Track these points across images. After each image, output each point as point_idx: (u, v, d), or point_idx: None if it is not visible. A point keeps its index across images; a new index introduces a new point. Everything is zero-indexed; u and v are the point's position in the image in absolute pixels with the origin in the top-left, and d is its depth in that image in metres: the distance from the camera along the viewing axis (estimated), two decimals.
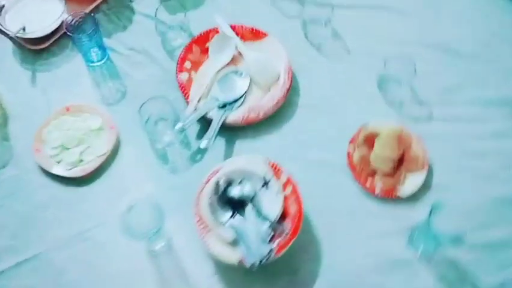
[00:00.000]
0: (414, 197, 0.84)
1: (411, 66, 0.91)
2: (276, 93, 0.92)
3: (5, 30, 0.99)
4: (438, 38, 1.00)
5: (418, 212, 0.81)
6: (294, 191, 0.80)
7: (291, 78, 0.94)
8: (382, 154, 0.86)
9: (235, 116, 0.91)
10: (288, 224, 0.78)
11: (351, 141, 0.88)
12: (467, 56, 0.97)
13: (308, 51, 1.00)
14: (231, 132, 0.91)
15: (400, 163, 0.86)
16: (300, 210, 0.78)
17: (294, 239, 0.76)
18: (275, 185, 0.80)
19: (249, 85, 0.94)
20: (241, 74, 0.95)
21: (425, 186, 0.84)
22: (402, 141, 0.87)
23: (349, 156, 0.87)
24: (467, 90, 0.94)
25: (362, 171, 0.86)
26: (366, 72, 0.96)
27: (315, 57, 0.99)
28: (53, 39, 0.99)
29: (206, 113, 0.90)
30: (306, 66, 0.98)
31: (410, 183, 0.85)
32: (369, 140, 0.88)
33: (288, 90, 0.93)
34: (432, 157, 0.86)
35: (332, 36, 1.01)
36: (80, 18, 0.97)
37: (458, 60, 0.97)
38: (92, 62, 0.97)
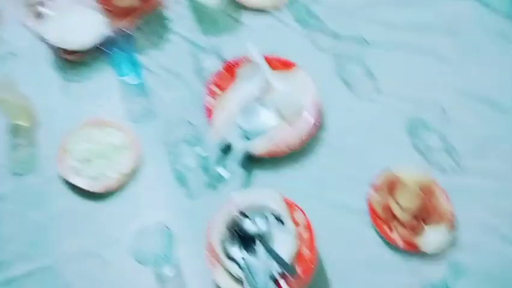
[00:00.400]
0: (434, 253, 0.78)
1: (444, 114, 0.86)
2: (301, 128, 0.89)
3: (43, 38, 0.99)
4: (476, 87, 0.94)
5: (437, 269, 0.76)
6: (309, 232, 0.75)
7: (319, 114, 0.90)
8: (404, 203, 0.81)
9: (257, 146, 0.87)
10: (299, 267, 0.73)
11: (373, 186, 0.84)
12: (505, 109, 0.91)
13: (338, 87, 0.96)
14: (251, 162, 0.87)
15: (423, 214, 0.80)
16: (313, 255, 0.73)
17: (306, 284, 0.71)
18: (290, 224, 0.76)
19: (274, 117, 0.91)
20: (267, 105, 0.91)
21: (447, 243, 0.79)
22: (427, 192, 0.82)
23: (369, 201, 0.83)
24: (501, 145, 0.88)
25: (382, 219, 0.81)
26: (396, 114, 0.91)
27: (344, 94, 0.95)
28: (88, 51, 0.98)
29: (228, 141, 0.88)
30: (334, 102, 0.94)
31: (432, 237, 0.79)
32: (392, 186, 0.83)
33: (313, 126, 0.89)
34: (458, 212, 0.81)
35: (363, 74, 0.97)
36: (117, 33, 0.96)
37: (494, 112, 0.91)
38: (124, 77, 0.96)
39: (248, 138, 0.88)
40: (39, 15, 1.02)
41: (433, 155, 0.88)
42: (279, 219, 0.77)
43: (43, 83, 0.97)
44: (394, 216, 0.81)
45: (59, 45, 0.97)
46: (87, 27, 0.98)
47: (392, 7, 1.05)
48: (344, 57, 0.98)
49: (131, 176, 0.87)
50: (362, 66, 0.97)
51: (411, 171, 0.84)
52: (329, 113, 0.93)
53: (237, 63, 0.96)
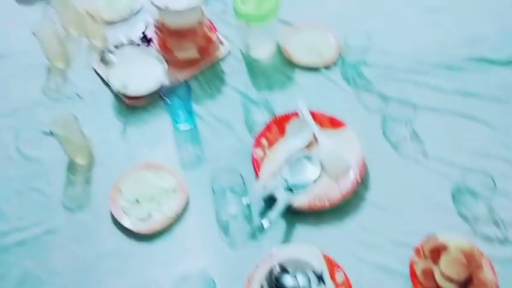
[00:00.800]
0: None
1: (491, 182, 0.84)
2: (345, 186, 0.89)
3: (108, 82, 1.05)
4: None
5: None
6: None
7: (363, 173, 0.90)
8: (448, 270, 0.78)
9: (300, 200, 0.88)
10: None
11: (416, 251, 0.82)
12: None
13: (384, 148, 0.96)
14: (294, 215, 0.87)
15: (467, 284, 0.78)
16: None
17: None
18: (330, 284, 0.74)
19: (319, 172, 0.91)
20: (313, 160, 0.92)
21: None
22: (471, 261, 0.79)
23: (412, 266, 0.80)
24: None
25: (424, 285, 0.78)
26: (442, 179, 0.90)
27: (390, 155, 0.95)
28: (147, 97, 1.03)
29: (272, 192, 0.88)
30: (380, 162, 0.93)
31: None
32: (436, 253, 0.81)
33: (357, 184, 0.89)
34: (503, 285, 0.77)
35: (410, 137, 0.97)
36: (176, 83, 1.01)
37: None
38: (179, 124, 1.00)
39: (292, 191, 0.89)
40: (105, 61, 1.09)
41: (479, 224, 0.85)
42: (319, 277, 0.76)
43: (103, 125, 1.02)
44: (436, 284, 0.78)
45: (122, 91, 1.02)
46: (148, 75, 1.03)
47: (440, 72, 1.06)
48: (391, 119, 0.98)
49: (177, 219, 0.89)
50: (409, 129, 0.97)
51: (456, 239, 0.82)
52: (373, 173, 0.92)
53: (286, 118, 0.98)
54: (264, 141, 0.96)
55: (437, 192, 0.89)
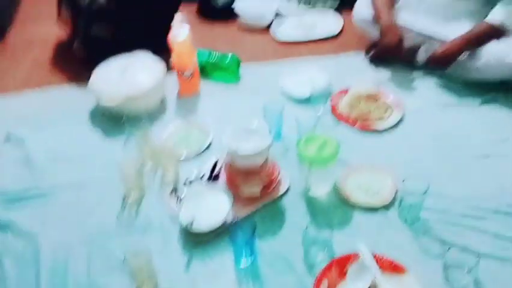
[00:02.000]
0: None
1: None
2: None
3: (177, 216, 1.10)
4: None
5: None
6: None
7: None
8: None
9: None
10: None
11: None
12: None
13: None
14: None
15: None
16: None
17: None
18: None
19: None
20: None
21: None
22: None
23: None
24: None
25: None
26: None
27: None
28: (213, 232, 1.06)
29: None
30: None
31: None
32: None
33: None
34: None
35: (474, 286, 0.93)
36: (240, 218, 1.04)
37: None
38: (241, 259, 1.01)
39: None
40: (176, 195, 1.15)
41: None
42: None
43: (170, 257, 1.04)
44: None
45: (190, 225, 1.06)
46: (216, 210, 1.07)
47: (498, 218, 1.04)
48: (453, 266, 0.95)
49: None
50: (472, 277, 0.93)
51: None
52: None
53: (346, 259, 0.97)
54: (324, 282, 0.95)
55: None
